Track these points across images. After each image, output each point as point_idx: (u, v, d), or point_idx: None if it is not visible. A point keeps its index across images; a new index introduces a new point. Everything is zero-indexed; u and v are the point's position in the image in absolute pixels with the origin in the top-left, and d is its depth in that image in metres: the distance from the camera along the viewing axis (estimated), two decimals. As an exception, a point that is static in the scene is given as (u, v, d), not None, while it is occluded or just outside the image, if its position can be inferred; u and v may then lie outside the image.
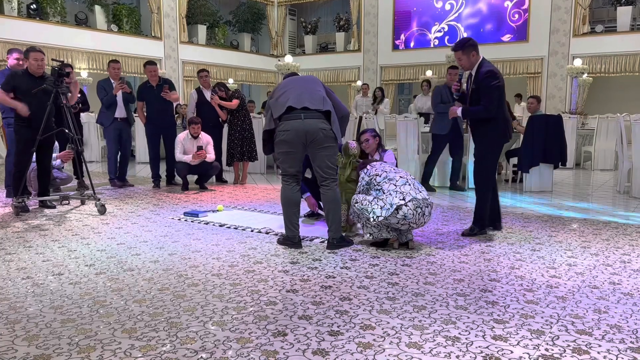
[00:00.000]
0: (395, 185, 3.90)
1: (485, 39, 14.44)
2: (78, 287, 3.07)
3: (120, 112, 7.11)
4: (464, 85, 4.68)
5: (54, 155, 6.39)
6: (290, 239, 4.07)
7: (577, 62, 11.30)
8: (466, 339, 2.39)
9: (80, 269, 3.45)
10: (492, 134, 4.48)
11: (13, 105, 5.21)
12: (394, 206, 3.78)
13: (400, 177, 3.97)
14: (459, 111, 4.58)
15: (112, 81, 7.11)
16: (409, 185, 3.91)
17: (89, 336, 2.39)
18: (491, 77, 4.31)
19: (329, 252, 3.91)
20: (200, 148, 6.87)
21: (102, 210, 5.32)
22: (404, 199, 3.79)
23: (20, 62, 5.83)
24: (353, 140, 4.62)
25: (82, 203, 5.93)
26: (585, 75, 12.64)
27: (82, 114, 7.59)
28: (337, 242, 4.02)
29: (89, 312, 2.68)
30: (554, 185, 7.30)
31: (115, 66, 7.26)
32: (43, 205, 5.66)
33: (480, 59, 4.46)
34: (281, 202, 4.12)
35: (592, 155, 10.09)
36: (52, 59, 5.41)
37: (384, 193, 3.90)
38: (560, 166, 7.30)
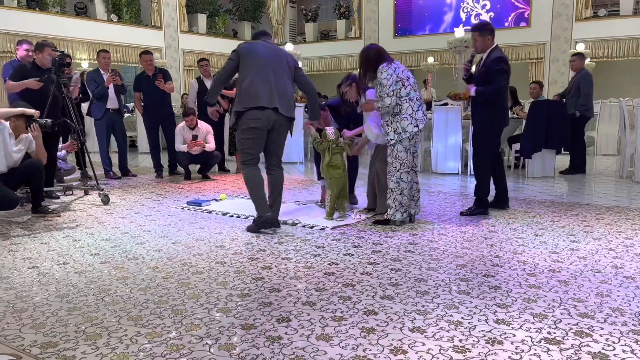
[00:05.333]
0: (412, 110, 4.16)
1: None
2: (83, 276, 3.09)
3: (112, 103, 7.06)
4: (473, 68, 4.81)
5: (60, 145, 6.41)
6: (265, 219, 4.07)
7: (580, 47, 11.22)
8: (469, 323, 2.41)
9: (85, 258, 3.47)
10: (491, 118, 4.67)
11: (24, 85, 5.22)
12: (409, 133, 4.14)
13: (417, 99, 4.21)
14: (472, 90, 4.69)
15: (102, 72, 7.03)
16: (421, 111, 4.24)
17: (95, 324, 2.41)
18: (501, 62, 4.55)
19: (306, 236, 4.01)
20: (195, 137, 6.86)
21: (105, 200, 5.34)
22: (417, 126, 4.16)
23: (30, 54, 5.83)
24: (330, 127, 4.68)
25: (86, 193, 5.96)
26: (588, 60, 12.55)
27: (82, 104, 7.56)
28: (276, 220, 4.20)
29: (95, 301, 2.70)
30: (556, 170, 7.29)
31: (106, 56, 7.17)
32: (47, 195, 5.67)
33: (494, 45, 4.66)
34: (250, 187, 4.13)
35: (594, 140, 10.06)
36: (53, 49, 5.40)
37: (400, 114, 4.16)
38: (562, 151, 7.29)
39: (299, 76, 4.29)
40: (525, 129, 7.04)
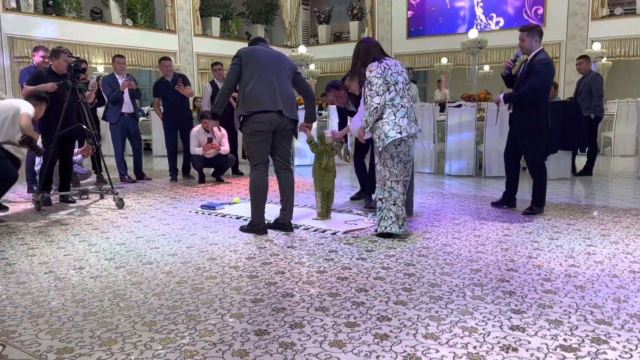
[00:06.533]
0: (394, 116, 3.90)
1: (502, 16, 14.26)
2: (99, 281, 3.12)
3: (127, 108, 7.16)
4: (517, 67, 4.86)
5: (76, 150, 6.50)
6: (257, 226, 4.20)
7: (596, 47, 11.07)
8: (483, 329, 2.39)
9: (100, 262, 3.51)
10: (536, 120, 4.69)
11: (42, 88, 5.31)
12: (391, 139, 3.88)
13: (403, 106, 3.94)
14: (501, 97, 4.79)
15: (117, 76, 7.14)
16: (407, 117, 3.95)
17: (110, 329, 2.44)
18: (544, 63, 4.61)
19: (319, 240, 4.03)
20: (210, 140, 6.91)
21: (120, 204, 5.39)
22: (400, 133, 3.87)
23: (46, 60, 5.92)
24: (329, 130, 4.86)
25: (101, 197, 6.02)
26: (605, 59, 12.39)
27: (98, 109, 7.64)
28: (288, 223, 4.32)
29: (110, 306, 2.73)
30: (572, 170, 7.20)
31: (121, 61, 7.28)
32: (64, 199, 5.76)
33: (540, 48, 4.70)
34: (253, 191, 4.20)
35: (611, 141, 9.92)
36: (68, 55, 5.48)
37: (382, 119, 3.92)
38: (579, 153, 7.21)
39: (299, 80, 4.34)
40: (540, 131, 6.95)
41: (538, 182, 4.85)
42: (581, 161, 7.57)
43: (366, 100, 3.92)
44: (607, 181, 6.93)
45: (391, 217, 3.98)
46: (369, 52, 4.00)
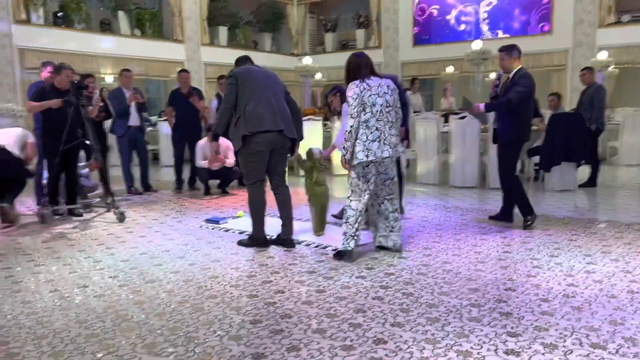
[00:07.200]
0: (367, 138, 3.82)
1: (508, 31, 14.25)
2: (102, 300, 3.18)
3: (134, 120, 7.28)
4: (502, 87, 5.04)
5: (82, 164, 6.60)
6: (259, 240, 4.33)
7: (601, 56, 11.04)
8: (478, 353, 2.42)
9: (104, 280, 3.57)
10: (513, 133, 4.85)
11: (46, 105, 5.45)
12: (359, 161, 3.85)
13: (378, 129, 3.84)
14: (481, 106, 4.92)
15: (124, 90, 7.25)
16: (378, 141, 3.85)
17: (111, 352, 2.49)
18: (524, 78, 4.73)
19: (320, 257, 4.08)
20: (217, 152, 6.97)
21: (121, 219, 5.47)
22: (367, 156, 3.82)
23: (54, 76, 6.04)
24: (317, 147, 5.04)
25: (108, 210, 6.09)
26: (612, 67, 12.34)
27: (105, 122, 7.74)
28: (290, 240, 4.39)
29: (112, 327, 2.78)
30: (577, 182, 7.19)
31: (127, 75, 7.41)
32: (71, 213, 5.86)
33: (520, 67, 4.84)
34: (253, 207, 4.33)
35: (617, 150, 9.88)
36: (72, 72, 5.62)
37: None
38: (582, 164, 7.19)
39: (288, 100, 4.43)
40: (544, 142, 6.96)
41: (513, 195, 4.96)
42: (586, 172, 7.55)
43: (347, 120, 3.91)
44: (611, 193, 6.91)
45: (346, 232, 3.93)
46: (359, 68, 3.93)
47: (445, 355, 2.41)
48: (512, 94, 4.69)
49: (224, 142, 7.18)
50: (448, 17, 15.43)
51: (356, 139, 3.83)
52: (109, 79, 12.63)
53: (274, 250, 4.28)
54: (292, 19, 17.65)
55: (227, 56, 15.52)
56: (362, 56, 4.03)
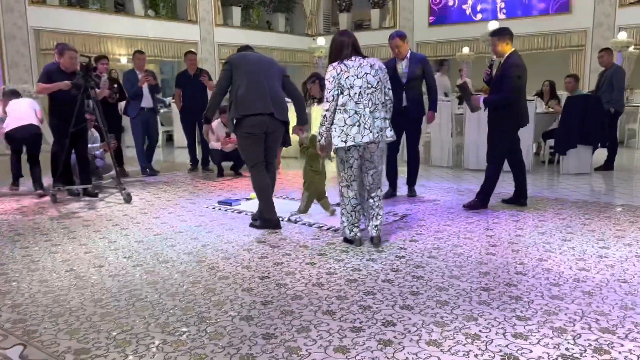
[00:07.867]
0: (344, 122, 3.64)
1: (527, 11, 13.99)
2: (117, 280, 3.24)
3: (146, 102, 7.31)
4: (494, 72, 4.92)
5: (97, 144, 6.68)
6: (270, 222, 4.38)
7: (621, 36, 10.79)
8: (486, 336, 2.43)
9: (119, 260, 3.63)
10: (506, 121, 4.84)
11: (56, 87, 5.51)
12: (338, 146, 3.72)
13: (358, 113, 3.64)
14: (480, 102, 4.92)
15: (137, 72, 7.27)
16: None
17: (125, 330, 2.55)
18: (514, 68, 4.67)
19: (331, 239, 4.06)
20: (228, 134, 7.00)
21: (127, 199, 5.55)
22: (345, 142, 3.64)
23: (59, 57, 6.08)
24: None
25: (119, 191, 6.16)
26: (632, 47, 12.07)
27: (119, 103, 7.79)
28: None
29: (126, 306, 2.84)
30: (593, 165, 7.10)
31: (141, 57, 7.43)
32: (86, 193, 5.94)
33: (512, 51, 4.77)
34: (258, 190, 4.37)
35: (636, 133, 9.72)
36: (81, 55, 5.67)
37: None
38: (599, 147, 7.09)
39: (287, 84, 4.43)
40: (560, 125, 6.88)
41: (487, 177, 5.00)
42: (602, 155, 7.45)
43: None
44: (628, 176, 6.82)
45: (343, 222, 3.92)
46: (341, 48, 3.71)
47: (454, 337, 2.42)
48: (505, 91, 4.68)
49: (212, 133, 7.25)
50: (464, 6, 15.15)
51: (332, 123, 3.68)
52: (124, 59, 12.67)
53: (285, 231, 4.31)
54: (306, -1, 17.46)
55: (241, 37, 15.50)
56: (346, 34, 3.82)
